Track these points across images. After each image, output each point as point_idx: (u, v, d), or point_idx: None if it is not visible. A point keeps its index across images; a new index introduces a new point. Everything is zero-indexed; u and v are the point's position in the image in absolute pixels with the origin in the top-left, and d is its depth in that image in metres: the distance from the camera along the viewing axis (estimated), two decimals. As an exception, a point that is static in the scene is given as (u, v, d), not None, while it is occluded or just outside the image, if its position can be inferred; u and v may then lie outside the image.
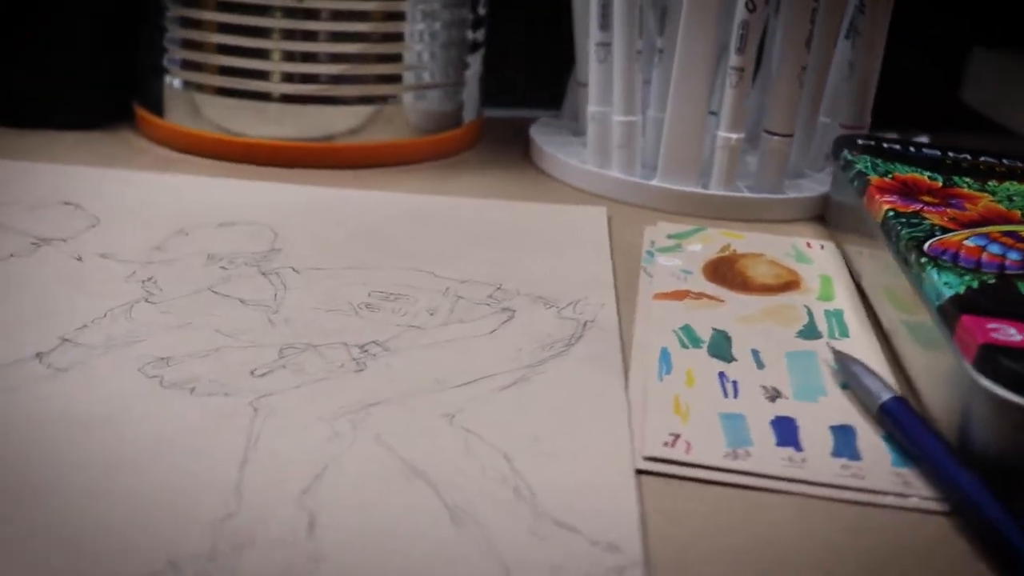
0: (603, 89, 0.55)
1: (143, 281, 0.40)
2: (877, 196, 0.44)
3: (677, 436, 0.32)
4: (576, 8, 0.59)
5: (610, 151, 0.55)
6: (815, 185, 0.56)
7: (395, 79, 0.58)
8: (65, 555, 0.25)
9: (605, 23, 0.54)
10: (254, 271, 0.42)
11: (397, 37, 0.57)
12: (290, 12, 0.55)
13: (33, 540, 0.25)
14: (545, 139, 0.60)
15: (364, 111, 0.57)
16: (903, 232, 0.40)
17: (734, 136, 0.52)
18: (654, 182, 0.54)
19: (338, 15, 0.55)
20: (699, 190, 0.53)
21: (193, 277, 0.41)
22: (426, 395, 0.33)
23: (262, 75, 0.56)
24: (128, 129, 0.61)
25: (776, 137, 0.53)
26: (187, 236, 0.45)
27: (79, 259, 0.42)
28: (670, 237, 0.49)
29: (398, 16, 0.56)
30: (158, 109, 0.59)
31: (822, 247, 0.50)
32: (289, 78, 0.56)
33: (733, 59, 0.51)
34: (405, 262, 0.44)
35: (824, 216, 0.54)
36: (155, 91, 0.59)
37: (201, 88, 0.57)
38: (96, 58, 0.61)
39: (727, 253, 0.48)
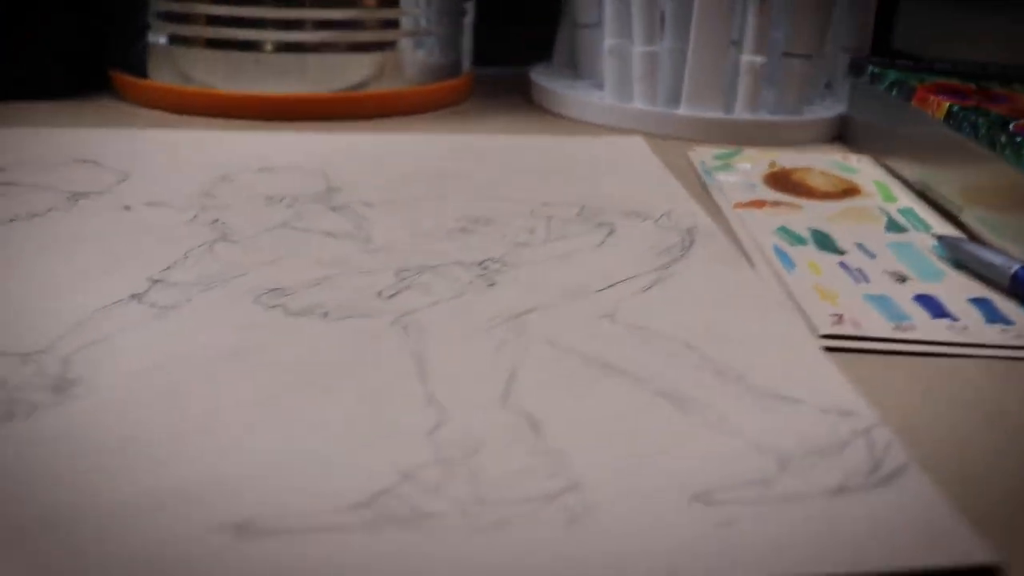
0: (620, 22, 0.54)
1: (212, 222, 0.37)
2: (931, 96, 0.45)
3: (840, 315, 0.31)
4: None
5: (630, 84, 0.54)
6: (830, 107, 0.56)
7: (393, 24, 0.55)
8: (291, 483, 0.22)
9: (620, -47, 0.53)
10: (323, 208, 0.39)
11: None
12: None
13: (228, 478, 0.23)
14: (550, 83, 0.59)
15: (363, 60, 0.55)
16: (980, 121, 0.40)
17: (758, 59, 0.52)
18: (680, 110, 0.53)
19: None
20: (724, 116, 0.53)
21: (262, 217, 0.38)
22: (574, 301, 0.32)
23: (255, 24, 0.53)
24: (105, 96, 0.57)
25: (797, 59, 0.53)
26: (232, 182, 0.42)
27: (127, 208, 0.39)
28: (717, 158, 0.49)
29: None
30: (140, 70, 0.55)
31: (857, 160, 0.50)
32: (283, 26, 0.53)
33: (758, -21, 0.51)
34: (476, 193, 0.42)
35: (843, 136, 0.55)
36: (137, 52, 0.55)
37: (189, 43, 0.54)
38: (66, 24, 0.56)
39: (776, 169, 0.48)
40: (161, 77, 0.55)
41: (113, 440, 0.23)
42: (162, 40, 0.54)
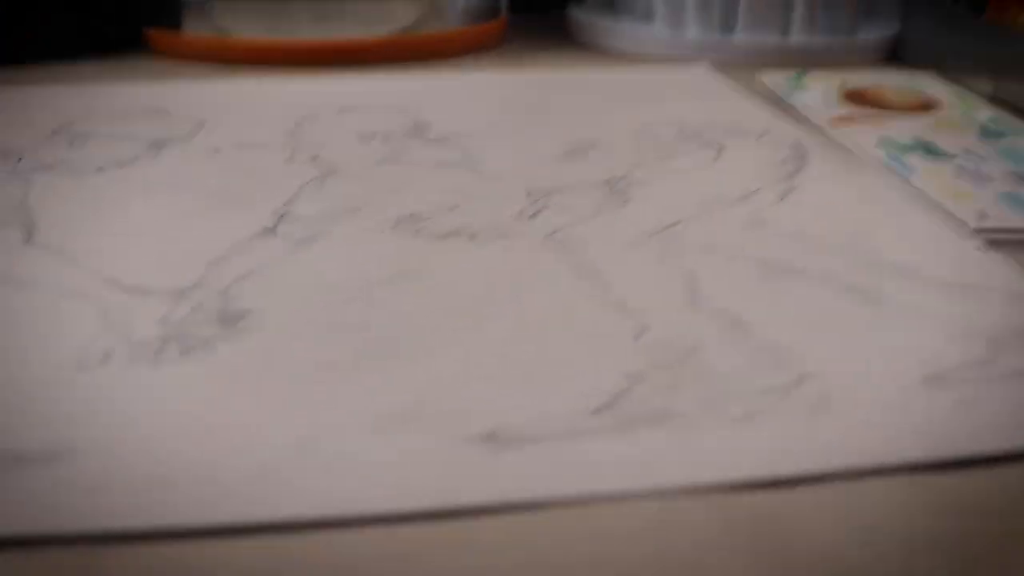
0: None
1: (312, 159, 0.36)
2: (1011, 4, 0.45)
3: (982, 209, 0.31)
4: None
5: (682, 13, 0.54)
6: (882, 27, 0.56)
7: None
8: (522, 395, 0.22)
9: None
10: (421, 142, 0.38)
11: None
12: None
13: (461, 395, 0.22)
14: (595, 18, 0.58)
15: (403, 2, 0.53)
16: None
17: (816, -21, 0.52)
18: (736, 36, 0.53)
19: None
20: (781, 39, 0.53)
21: (361, 153, 0.37)
22: (714, 212, 0.31)
23: None
24: (140, 54, 0.55)
25: (849, -21, 0.53)
26: (317, 122, 0.40)
27: (217, 150, 0.37)
28: (788, 81, 0.48)
29: None
30: (175, 23, 0.54)
31: (923, 76, 0.50)
32: None
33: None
34: (572, 121, 0.41)
35: (899, 55, 0.55)
36: (171, 4, 0.53)
37: None
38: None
39: (850, 88, 0.47)
40: (198, 29, 0.53)
41: (311, 367, 0.23)
42: None
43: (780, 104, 0.45)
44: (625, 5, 0.59)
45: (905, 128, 0.41)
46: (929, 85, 0.48)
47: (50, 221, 0.30)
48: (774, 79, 0.48)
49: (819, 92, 0.46)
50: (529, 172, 0.35)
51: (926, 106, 0.45)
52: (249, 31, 0.52)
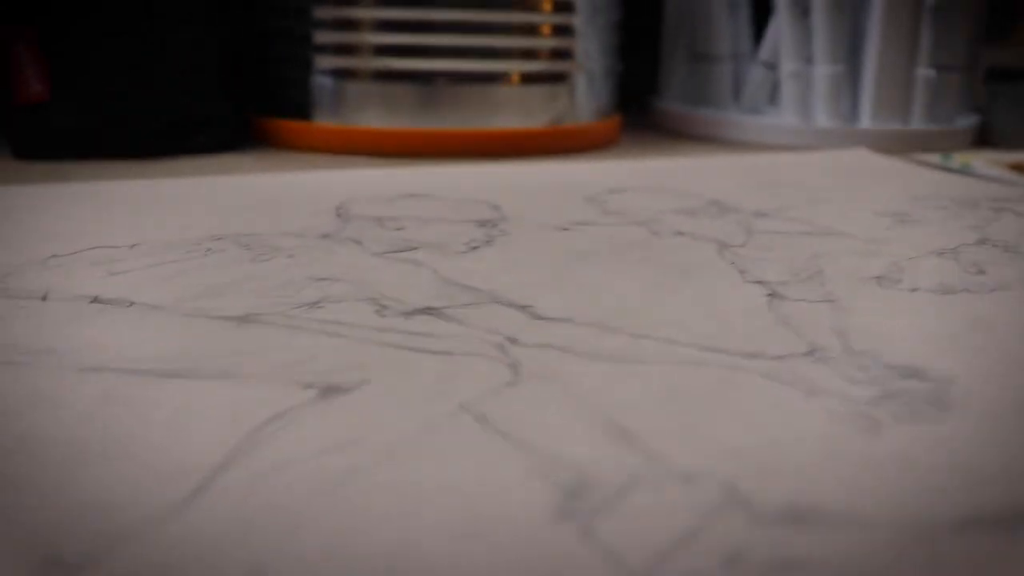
0: (801, 44, 0.57)
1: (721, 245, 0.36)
2: None
3: None
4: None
5: (811, 104, 0.57)
6: (964, 115, 0.61)
7: (567, 55, 0.55)
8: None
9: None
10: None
11: (567, 25, 0.55)
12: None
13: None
14: (702, 111, 0.60)
15: (533, 93, 0.54)
16: None
17: (932, 72, 0.56)
18: (863, 125, 0.57)
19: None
20: (903, 127, 0.57)
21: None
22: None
23: (424, 53, 0.51)
24: (263, 147, 0.53)
25: (952, 72, 0.58)
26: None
27: (655, 232, 0.36)
28: (944, 160, 0.52)
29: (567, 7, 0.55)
30: (304, 113, 0.52)
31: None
32: (454, 54, 0.52)
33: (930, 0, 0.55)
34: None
35: (985, 139, 0.60)
36: (300, 95, 0.52)
37: (355, 77, 0.51)
38: (225, 75, 0.52)
39: (1008, 161, 0.52)
40: (328, 118, 0.52)
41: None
42: (326, 78, 0.52)
43: (953, 176, 0.48)
44: (709, 97, 0.62)
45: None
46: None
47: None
48: (930, 159, 0.52)
49: (983, 165, 0.50)
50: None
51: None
52: (376, 121, 0.52)
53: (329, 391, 0.22)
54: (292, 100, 0.53)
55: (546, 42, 0.53)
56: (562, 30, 0.54)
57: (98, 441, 0.19)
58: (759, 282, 0.30)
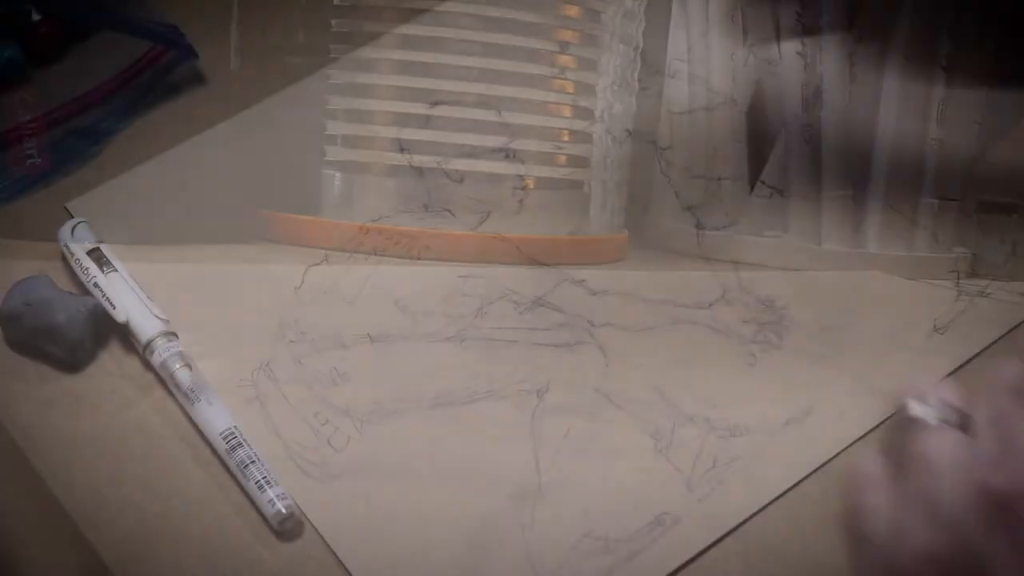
0: (810, 167, 0.57)
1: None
2: None
3: None
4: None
5: (818, 227, 0.57)
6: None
7: (584, 163, 0.54)
8: None
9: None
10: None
11: (586, 133, 0.54)
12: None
13: None
14: (709, 229, 0.60)
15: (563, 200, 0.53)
16: None
17: (936, 202, 0.57)
18: (870, 249, 0.57)
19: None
20: (907, 253, 0.57)
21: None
22: None
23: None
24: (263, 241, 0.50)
25: (952, 202, 0.59)
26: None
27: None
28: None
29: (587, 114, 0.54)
30: (315, 209, 0.50)
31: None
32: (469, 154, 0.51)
33: (935, 131, 0.56)
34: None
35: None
36: (310, 190, 0.50)
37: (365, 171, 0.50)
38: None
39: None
40: (337, 214, 0.50)
41: None
42: (336, 172, 0.50)
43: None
44: (708, 217, 0.61)
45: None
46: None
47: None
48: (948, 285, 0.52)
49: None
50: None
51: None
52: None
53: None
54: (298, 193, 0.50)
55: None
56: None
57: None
58: None
